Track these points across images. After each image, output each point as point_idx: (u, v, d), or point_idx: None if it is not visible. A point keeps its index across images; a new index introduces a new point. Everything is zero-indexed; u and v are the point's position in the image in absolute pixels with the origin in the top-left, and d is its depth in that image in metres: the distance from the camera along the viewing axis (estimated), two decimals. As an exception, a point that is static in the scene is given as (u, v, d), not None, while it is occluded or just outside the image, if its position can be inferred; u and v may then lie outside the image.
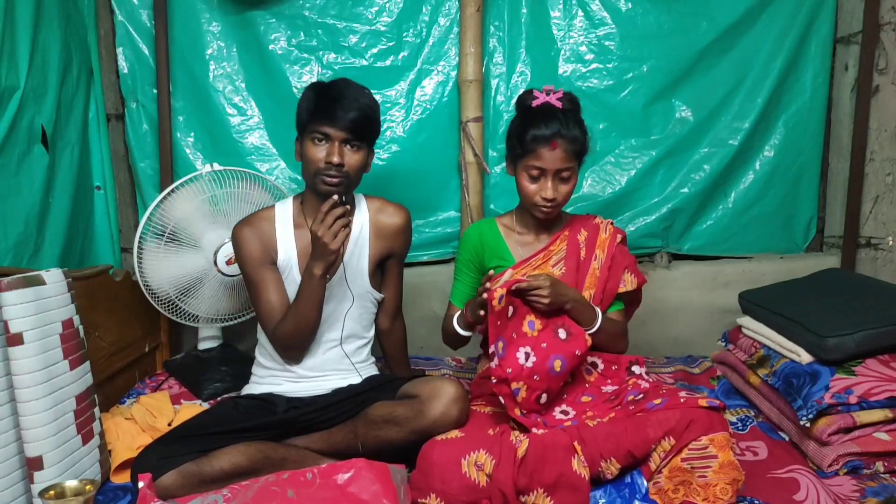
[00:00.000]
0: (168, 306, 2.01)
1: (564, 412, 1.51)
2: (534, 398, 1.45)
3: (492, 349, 1.43)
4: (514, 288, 1.45)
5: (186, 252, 1.96)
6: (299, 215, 1.67)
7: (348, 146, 1.56)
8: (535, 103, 1.59)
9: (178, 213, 1.93)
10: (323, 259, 1.48)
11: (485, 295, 1.43)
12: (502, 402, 1.43)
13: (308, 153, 1.56)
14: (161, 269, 1.95)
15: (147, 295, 1.97)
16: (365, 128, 1.57)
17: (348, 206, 1.47)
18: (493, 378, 1.42)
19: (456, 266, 1.77)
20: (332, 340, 1.67)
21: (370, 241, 1.69)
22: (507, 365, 1.42)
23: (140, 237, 1.92)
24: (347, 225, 1.45)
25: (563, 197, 1.58)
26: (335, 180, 1.55)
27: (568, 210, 1.76)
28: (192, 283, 1.98)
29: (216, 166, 1.98)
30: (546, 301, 1.48)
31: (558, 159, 1.53)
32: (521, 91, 2.29)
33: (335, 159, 1.53)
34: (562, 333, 1.51)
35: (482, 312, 1.46)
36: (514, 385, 1.42)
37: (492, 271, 1.51)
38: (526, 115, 1.59)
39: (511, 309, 1.46)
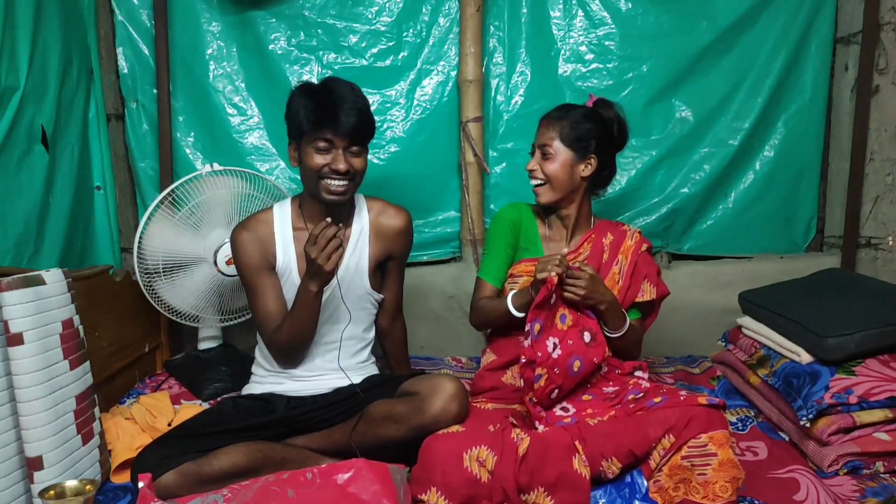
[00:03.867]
0: (177, 313, 2.03)
1: (564, 409, 1.51)
2: (548, 391, 1.47)
3: (528, 328, 1.43)
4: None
5: (192, 269, 1.97)
6: (298, 218, 1.66)
7: (350, 151, 1.54)
8: None
9: (158, 243, 1.92)
10: (318, 278, 1.48)
11: (544, 274, 1.44)
12: (520, 384, 1.44)
13: (310, 161, 1.53)
14: (179, 294, 1.98)
15: (167, 313, 2.00)
16: (366, 131, 1.57)
17: (340, 225, 1.46)
18: (522, 357, 1.43)
19: (490, 241, 1.76)
20: (331, 342, 1.67)
21: (370, 242, 1.69)
22: (538, 348, 1.44)
23: (147, 274, 1.94)
24: (340, 245, 1.44)
25: (544, 174, 1.65)
26: (342, 188, 1.55)
27: (594, 213, 1.80)
28: (209, 292, 2.01)
29: (216, 166, 1.99)
30: (581, 293, 1.49)
31: (542, 134, 1.65)
32: (521, 91, 2.33)
33: (341, 167, 1.52)
34: (587, 337, 1.52)
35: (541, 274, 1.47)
36: (538, 371, 1.44)
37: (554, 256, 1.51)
38: None
39: (553, 297, 1.47)
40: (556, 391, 1.48)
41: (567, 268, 1.48)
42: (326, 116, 1.50)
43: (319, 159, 1.52)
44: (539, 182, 1.66)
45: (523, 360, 1.43)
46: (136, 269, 1.93)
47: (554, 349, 1.46)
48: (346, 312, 1.65)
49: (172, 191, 1.94)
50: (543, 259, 1.48)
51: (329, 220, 1.45)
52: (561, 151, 1.63)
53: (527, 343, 1.43)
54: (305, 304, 1.52)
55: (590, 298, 1.52)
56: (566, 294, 1.51)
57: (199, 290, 1.99)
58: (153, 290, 1.96)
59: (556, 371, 1.46)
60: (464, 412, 1.43)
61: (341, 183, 1.54)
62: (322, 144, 1.51)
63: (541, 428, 1.40)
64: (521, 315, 1.57)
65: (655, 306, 1.73)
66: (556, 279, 1.43)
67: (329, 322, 1.65)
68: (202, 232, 1.97)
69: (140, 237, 1.91)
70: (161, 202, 1.93)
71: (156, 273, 1.94)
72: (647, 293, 1.67)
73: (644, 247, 1.71)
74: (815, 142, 2.41)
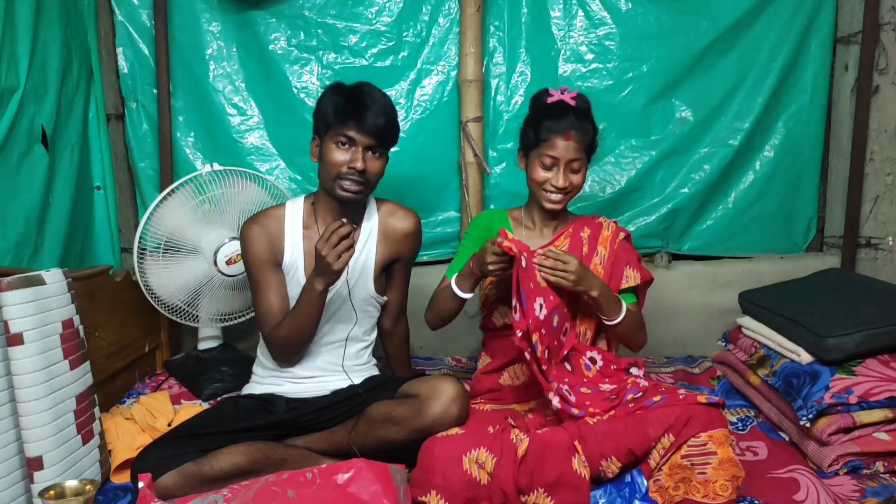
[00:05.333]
0: (173, 310, 2.02)
1: (568, 391, 1.49)
2: (544, 355, 1.45)
3: (514, 302, 1.41)
4: (537, 261, 1.48)
5: (187, 258, 1.96)
6: (309, 216, 1.66)
7: (371, 152, 1.56)
8: (549, 100, 1.64)
9: (170, 223, 1.92)
10: (325, 276, 1.47)
11: (498, 246, 1.43)
12: (527, 357, 1.41)
13: (330, 156, 1.55)
14: (164, 279, 1.96)
15: (150, 299, 1.98)
16: (390, 135, 1.59)
17: (354, 226, 1.47)
18: (517, 332, 1.40)
19: (461, 244, 1.78)
20: (332, 344, 1.67)
21: (378, 244, 1.69)
22: (529, 317, 1.41)
23: (139, 251, 1.92)
24: (351, 246, 1.44)
25: (572, 187, 1.63)
26: (356, 187, 1.56)
27: (569, 210, 1.77)
28: (196, 288, 1.99)
29: (216, 166, 1.98)
30: (572, 279, 1.48)
31: (571, 149, 1.59)
32: (521, 91, 2.33)
33: (359, 165, 1.53)
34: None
35: (490, 265, 1.46)
36: (533, 338, 1.41)
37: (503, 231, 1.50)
38: (541, 109, 1.65)
39: (524, 260, 1.45)
40: (547, 351, 1.47)
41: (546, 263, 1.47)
42: (354, 113, 1.52)
43: (339, 155, 1.54)
44: (563, 195, 1.63)
45: (518, 335, 1.40)
46: (135, 245, 1.91)
47: (540, 309, 1.44)
48: (352, 313, 1.66)
49: (144, 230, 1.91)
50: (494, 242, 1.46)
51: (344, 220, 1.45)
52: (584, 160, 1.63)
53: (517, 317, 1.41)
54: (309, 301, 1.52)
55: (580, 284, 1.51)
56: (554, 279, 1.49)
57: (185, 282, 1.96)
58: (143, 270, 1.94)
59: (544, 332, 1.44)
60: (464, 415, 1.43)
61: (357, 184, 1.55)
62: (344, 140, 1.53)
63: (554, 401, 1.40)
64: (465, 295, 1.61)
65: (641, 293, 1.73)
66: (510, 247, 1.42)
67: (333, 321, 1.65)
68: (211, 227, 1.96)
69: (149, 288, 1.93)
70: (143, 251, 1.92)
71: (181, 307, 1.95)
72: (630, 279, 1.66)
73: (622, 235, 1.71)
74: (815, 142, 2.41)
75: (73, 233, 2.05)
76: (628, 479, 1.35)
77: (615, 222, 1.74)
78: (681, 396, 1.38)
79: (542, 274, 1.49)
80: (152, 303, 1.98)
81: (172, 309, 2.01)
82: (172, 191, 1.93)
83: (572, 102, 1.62)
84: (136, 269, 1.93)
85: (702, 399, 1.36)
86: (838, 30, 2.35)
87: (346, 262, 1.44)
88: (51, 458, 1.30)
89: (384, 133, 1.56)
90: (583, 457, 1.32)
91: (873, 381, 1.54)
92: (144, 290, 1.96)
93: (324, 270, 1.46)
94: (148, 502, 1.10)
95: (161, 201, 1.92)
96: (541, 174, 1.62)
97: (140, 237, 1.91)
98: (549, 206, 1.64)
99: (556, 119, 1.59)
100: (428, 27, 2.30)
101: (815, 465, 1.51)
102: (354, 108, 1.53)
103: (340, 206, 1.61)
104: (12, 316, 1.27)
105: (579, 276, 1.50)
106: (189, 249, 1.95)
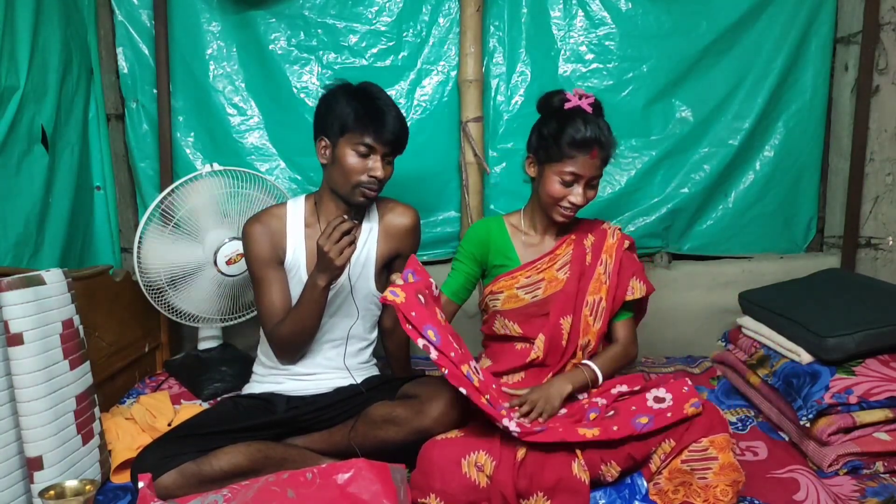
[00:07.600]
0: (171, 309, 2.03)
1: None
2: (486, 384, 1.39)
3: (421, 343, 1.31)
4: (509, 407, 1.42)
5: (188, 242, 1.96)
6: (311, 215, 1.67)
7: (385, 160, 1.59)
8: (567, 105, 1.56)
9: (193, 201, 1.94)
10: (328, 272, 1.49)
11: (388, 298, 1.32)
12: (464, 392, 1.31)
13: (350, 163, 1.55)
14: (157, 249, 1.95)
15: (136, 266, 1.98)
16: (404, 144, 1.62)
17: (356, 222, 1.48)
18: (443, 370, 1.31)
19: (456, 257, 1.72)
20: (333, 341, 1.67)
21: (378, 241, 1.70)
22: (447, 349, 1.32)
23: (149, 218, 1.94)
24: (353, 242, 1.46)
25: (587, 202, 1.58)
26: (373, 193, 1.59)
27: None
28: (183, 275, 1.99)
29: (216, 166, 1.99)
30: (547, 412, 1.41)
31: (595, 167, 1.54)
32: (521, 91, 2.33)
33: (380, 174, 1.56)
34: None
35: None
36: (464, 369, 1.34)
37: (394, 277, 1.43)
38: (560, 117, 1.55)
39: (422, 298, 1.38)
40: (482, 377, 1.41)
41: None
42: (374, 120, 1.53)
43: (358, 163, 1.55)
44: (577, 209, 1.58)
45: (445, 372, 1.31)
46: (141, 283, 1.95)
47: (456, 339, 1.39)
48: (354, 308, 1.66)
49: (165, 198, 1.93)
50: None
51: (345, 216, 1.47)
52: (602, 174, 1.57)
53: (434, 356, 1.31)
54: (312, 298, 1.53)
55: (555, 407, 1.44)
56: (534, 419, 1.40)
57: (208, 294, 2.00)
58: (166, 301, 1.99)
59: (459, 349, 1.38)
60: (463, 417, 1.43)
61: (374, 190, 1.58)
62: (363, 149, 1.55)
63: (511, 425, 1.33)
64: None
65: (644, 303, 1.71)
66: (397, 300, 1.31)
67: (337, 316, 1.66)
68: (199, 237, 1.97)
69: (138, 256, 1.93)
70: (150, 217, 1.93)
71: (161, 286, 1.96)
72: (637, 290, 1.63)
73: (626, 244, 1.66)
74: (815, 142, 2.41)
75: (73, 233, 2.05)
76: (628, 480, 1.35)
77: (619, 228, 1.70)
78: (668, 415, 1.34)
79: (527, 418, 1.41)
80: (175, 318, 2.03)
81: (152, 287, 1.98)
82: (143, 233, 1.91)
83: (589, 109, 1.55)
84: (152, 297, 1.97)
85: (689, 411, 1.33)
86: (838, 30, 2.35)
87: (348, 257, 1.45)
88: (51, 458, 1.30)
89: (401, 142, 1.60)
90: (582, 461, 1.32)
91: (873, 381, 1.54)
92: (174, 316, 2.02)
93: (326, 266, 1.47)
94: (148, 502, 1.10)
95: (194, 178, 1.95)
96: (559, 190, 1.54)
97: (142, 274, 1.93)
98: (561, 219, 1.59)
99: (580, 133, 1.50)
100: (428, 27, 2.30)
101: (815, 465, 1.50)
102: (374, 116, 1.54)
103: (345, 205, 1.62)
104: (12, 316, 1.27)
105: (546, 407, 1.42)
106: (193, 268, 1.97)
